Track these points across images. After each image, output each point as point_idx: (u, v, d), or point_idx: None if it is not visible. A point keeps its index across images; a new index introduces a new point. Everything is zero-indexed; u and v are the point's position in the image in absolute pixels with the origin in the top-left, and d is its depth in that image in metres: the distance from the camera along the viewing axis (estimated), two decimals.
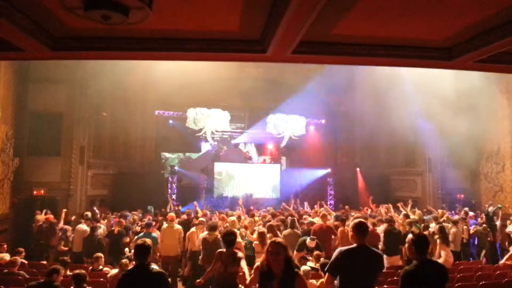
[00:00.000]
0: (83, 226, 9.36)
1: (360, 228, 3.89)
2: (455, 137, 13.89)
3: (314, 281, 6.08)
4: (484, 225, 9.60)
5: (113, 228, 9.23)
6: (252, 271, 4.03)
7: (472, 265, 7.91)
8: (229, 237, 5.29)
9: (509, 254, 7.37)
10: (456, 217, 10.44)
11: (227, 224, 8.62)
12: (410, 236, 3.88)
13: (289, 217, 9.44)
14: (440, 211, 11.40)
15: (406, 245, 3.84)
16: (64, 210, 10.31)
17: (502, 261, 7.42)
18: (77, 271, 5.19)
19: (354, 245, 3.92)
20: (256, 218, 10.38)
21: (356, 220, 4.11)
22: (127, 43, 3.88)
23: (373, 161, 17.70)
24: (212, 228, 7.61)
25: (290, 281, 3.63)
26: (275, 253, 3.68)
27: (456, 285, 5.87)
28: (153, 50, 3.86)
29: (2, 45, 3.81)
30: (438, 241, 7.56)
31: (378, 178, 16.80)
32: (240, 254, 5.19)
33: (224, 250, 5.25)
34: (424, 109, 14.25)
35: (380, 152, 17.34)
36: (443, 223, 8.76)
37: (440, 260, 7.48)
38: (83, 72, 13.44)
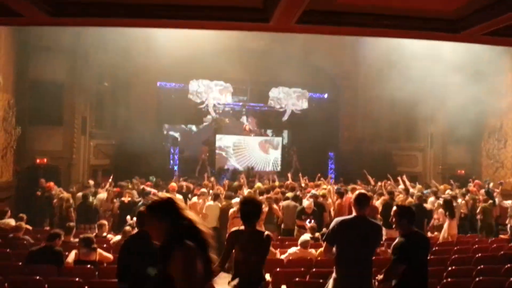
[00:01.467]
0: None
1: (359, 199, 3.91)
2: (458, 113, 13.81)
3: (313, 250, 6.21)
4: (491, 201, 9.63)
5: (123, 199, 9.35)
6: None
7: (469, 239, 8.04)
8: (251, 208, 3.68)
9: None
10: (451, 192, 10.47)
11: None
12: (395, 208, 3.93)
13: (291, 191, 9.60)
14: (442, 186, 11.50)
15: (393, 218, 3.88)
16: None
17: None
18: (86, 234, 5.42)
19: (353, 215, 3.97)
20: (259, 184, 10.57)
21: (357, 192, 4.15)
22: (127, 9, 3.80)
23: (375, 136, 17.67)
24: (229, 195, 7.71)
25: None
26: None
27: (453, 257, 5.98)
28: (152, 17, 3.79)
29: (1, 9, 3.74)
30: (441, 213, 7.79)
31: (380, 153, 16.82)
32: (268, 233, 3.83)
33: (243, 228, 3.73)
34: (427, 82, 14.08)
35: (383, 127, 17.28)
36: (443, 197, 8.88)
37: (442, 233, 7.64)
38: (84, 42, 13.25)
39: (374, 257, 3.99)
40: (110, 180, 10.32)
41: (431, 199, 9.33)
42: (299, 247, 6.11)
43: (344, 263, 3.75)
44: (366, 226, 3.84)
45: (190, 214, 2.42)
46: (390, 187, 10.76)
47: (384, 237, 6.36)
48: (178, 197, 8.69)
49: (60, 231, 5.79)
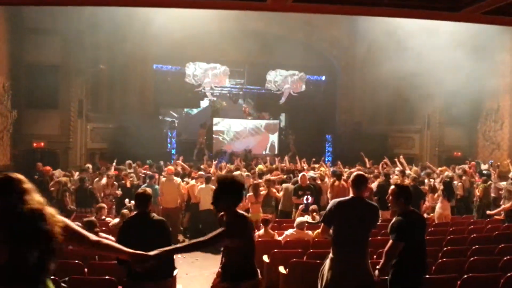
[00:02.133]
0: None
1: (357, 180, 3.91)
2: (455, 94, 13.81)
3: (310, 232, 6.27)
4: (490, 182, 9.72)
5: (123, 182, 9.37)
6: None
7: (464, 220, 8.14)
8: (227, 186, 3.12)
9: (500, 208, 7.66)
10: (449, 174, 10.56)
11: None
12: (393, 187, 3.96)
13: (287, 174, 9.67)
14: (439, 169, 11.58)
15: (391, 197, 3.91)
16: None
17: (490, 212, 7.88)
18: (89, 218, 5.51)
19: (350, 196, 3.99)
20: (261, 166, 10.64)
21: (355, 173, 4.17)
22: None
23: (372, 118, 17.68)
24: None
25: None
26: None
27: (448, 237, 6.05)
28: None
29: None
30: (438, 193, 7.91)
31: (377, 135, 16.85)
32: (249, 216, 3.55)
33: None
34: (425, 62, 14.02)
35: (380, 109, 17.27)
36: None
37: (435, 213, 7.78)
38: (79, 24, 13.04)
39: (370, 238, 4.03)
40: (114, 164, 10.36)
41: (426, 181, 9.42)
42: (295, 229, 6.17)
43: (341, 243, 3.78)
44: (363, 207, 3.85)
45: None
46: (387, 170, 10.84)
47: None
48: (176, 180, 8.77)
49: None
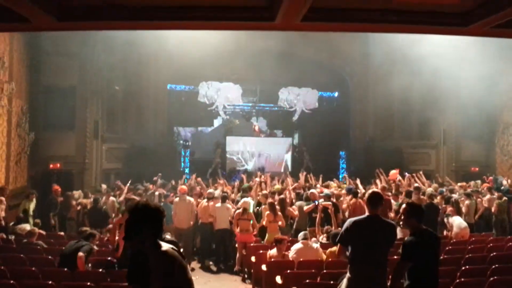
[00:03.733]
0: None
1: (372, 199, 3.87)
2: (471, 109, 13.59)
3: (316, 245, 6.19)
4: (505, 198, 9.48)
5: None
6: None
7: (483, 237, 7.89)
8: (140, 214, 2.51)
9: None
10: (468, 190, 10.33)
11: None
12: (405, 206, 3.90)
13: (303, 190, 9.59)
14: (459, 184, 11.34)
15: (402, 216, 3.85)
16: None
17: None
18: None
19: (366, 215, 3.92)
20: (278, 186, 10.57)
21: (370, 191, 4.12)
22: (132, 12, 3.83)
23: (387, 134, 17.50)
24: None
25: None
26: None
27: (467, 256, 5.87)
28: (158, 19, 3.81)
29: (9, 15, 3.79)
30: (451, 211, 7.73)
31: (392, 151, 16.63)
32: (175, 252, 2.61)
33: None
34: (439, 77, 13.87)
35: (394, 124, 17.10)
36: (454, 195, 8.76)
37: (453, 231, 7.57)
38: (94, 45, 13.42)
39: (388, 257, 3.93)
40: (127, 185, 10.44)
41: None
42: (301, 242, 6.11)
43: (358, 263, 3.72)
44: (380, 226, 3.80)
45: None
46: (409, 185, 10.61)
47: (400, 236, 6.29)
48: (189, 199, 8.75)
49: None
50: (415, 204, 4.10)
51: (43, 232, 7.96)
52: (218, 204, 8.58)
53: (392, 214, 8.21)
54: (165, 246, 2.54)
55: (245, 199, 8.39)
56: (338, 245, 4.05)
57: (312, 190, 8.95)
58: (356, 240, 3.77)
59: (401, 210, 3.91)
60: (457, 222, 7.60)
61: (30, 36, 11.84)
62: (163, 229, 2.70)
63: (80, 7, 3.88)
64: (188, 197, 8.82)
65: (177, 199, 8.87)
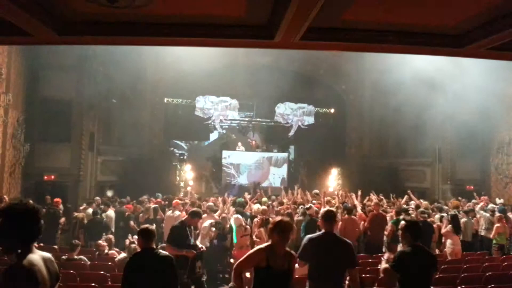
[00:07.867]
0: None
1: (327, 216, 4.04)
2: (466, 128, 13.70)
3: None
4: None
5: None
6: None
7: (479, 256, 7.87)
8: (14, 217, 2.37)
9: None
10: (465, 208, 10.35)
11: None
12: (403, 222, 4.03)
13: (301, 206, 9.54)
14: (451, 202, 11.32)
15: (400, 232, 3.98)
16: None
17: None
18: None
19: (322, 231, 4.08)
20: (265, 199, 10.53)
21: (324, 209, 4.27)
22: (132, 28, 3.85)
23: (382, 151, 17.57)
24: None
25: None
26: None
27: (462, 275, 5.84)
28: (158, 35, 3.83)
29: (10, 29, 3.80)
30: (447, 229, 7.70)
31: (387, 169, 16.68)
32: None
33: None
34: (434, 96, 14.01)
35: (390, 142, 17.19)
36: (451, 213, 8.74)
37: (447, 249, 7.57)
38: (92, 59, 13.47)
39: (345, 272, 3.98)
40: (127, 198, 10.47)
41: (437, 215, 9.20)
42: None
43: (316, 278, 3.85)
44: (334, 242, 3.93)
45: None
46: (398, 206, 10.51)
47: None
48: (175, 213, 8.65)
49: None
50: (411, 221, 4.24)
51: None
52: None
53: (386, 232, 8.23)
54: (33, 256, 2.21)
55: (236, 215, 8.28)
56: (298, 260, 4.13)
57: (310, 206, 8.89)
58: (312, 256, 3.90)
59: (400, 227, 4.03)
60: (451, 240, 7.65)
61: (28, 48, 11.88)
62: (37, 237, 2.46)
63: (80, 22, 3.90)
64: (177, 211, 8.70)
65: (169, 212, 8.81)
